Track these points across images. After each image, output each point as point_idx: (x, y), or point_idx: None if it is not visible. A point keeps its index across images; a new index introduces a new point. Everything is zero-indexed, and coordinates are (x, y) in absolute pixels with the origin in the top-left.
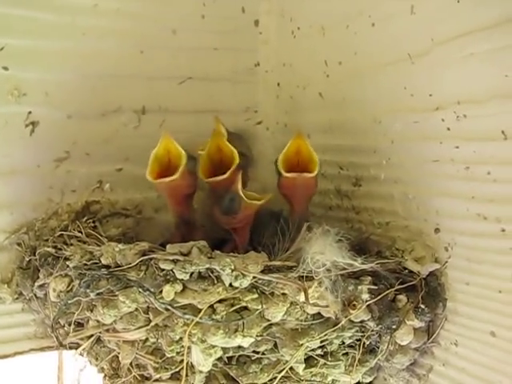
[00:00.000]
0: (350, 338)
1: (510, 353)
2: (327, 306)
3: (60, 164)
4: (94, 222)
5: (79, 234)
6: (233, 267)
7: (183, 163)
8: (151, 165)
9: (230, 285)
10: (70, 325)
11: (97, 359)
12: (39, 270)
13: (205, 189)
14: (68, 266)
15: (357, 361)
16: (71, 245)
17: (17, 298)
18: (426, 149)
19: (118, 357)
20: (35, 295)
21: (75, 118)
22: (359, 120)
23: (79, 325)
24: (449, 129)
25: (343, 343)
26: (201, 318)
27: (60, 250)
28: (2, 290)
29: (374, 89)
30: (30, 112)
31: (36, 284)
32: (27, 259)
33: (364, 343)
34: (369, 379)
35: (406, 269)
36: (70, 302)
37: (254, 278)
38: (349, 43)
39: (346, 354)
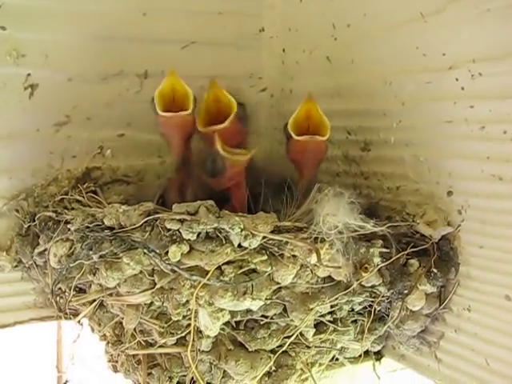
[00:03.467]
0: (359, 304)
1: None
2: (339, 267)
3: (60, 128)
4: (94, 188)
5: (81, 198)
6: (242, 226)
7: (191, 99)
8: (158, 102)
9: (239, 245)
10: (71, 290)
11: (99, 325)
12: (39, 237)
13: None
14: (69, 230)
15: (366, 328)
16: (72, 209)
17: (16, 266)
18: (439, 109)
19: (121, 323)
20: (35, 263)
21: (76, 81)
22: (369, 82)
23: (80, 291)
24: (463, 88)
25: (352, 310)
26: (209, 280)
27: (61, 214)
28: (1, 257)
29: (384, 50)
30: (29, 74)
31: (36, 251)
32: (26, 226)
33: (375, 309)
34: (377, 348)
35: (417, 233)
36: (71, 265)
37: (264, 237)
38: (358, 4)
39: (355, 321)
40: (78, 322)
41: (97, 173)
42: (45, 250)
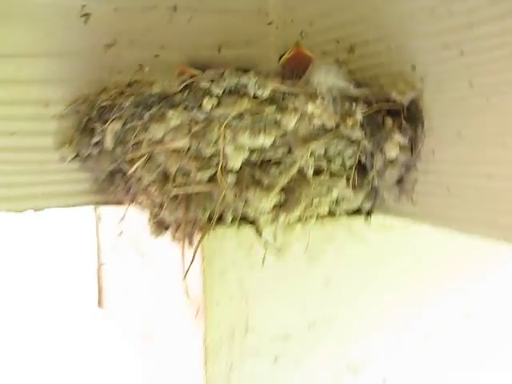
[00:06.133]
0: (349, 158)
1: (474, 147)
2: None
3: (108, 49)
4: None
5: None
6: (256, 80)
7: None
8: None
9: (254, 96)
10: (128, 151)
11: (149, 172)
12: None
13: None
14: (123, 108)
15: (354, 172)
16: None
17: (75, 157)
18: None
19: (165, 173)
20: (91, 154)
21: (121, 11)
22: None
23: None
24: None
25: (344, 164)
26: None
27: (115, 99)
28: (64, 149)
29: None
30: (83, 5)
31: (93, 140)
32: (85, 121)
33: (360, 158)
34: (368, 205)
35: (391, 101)
36: (127, 127)
37: (273, 90)
38: None
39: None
40: (133, 172)
41: (137, 85)
42: (100, 139)
